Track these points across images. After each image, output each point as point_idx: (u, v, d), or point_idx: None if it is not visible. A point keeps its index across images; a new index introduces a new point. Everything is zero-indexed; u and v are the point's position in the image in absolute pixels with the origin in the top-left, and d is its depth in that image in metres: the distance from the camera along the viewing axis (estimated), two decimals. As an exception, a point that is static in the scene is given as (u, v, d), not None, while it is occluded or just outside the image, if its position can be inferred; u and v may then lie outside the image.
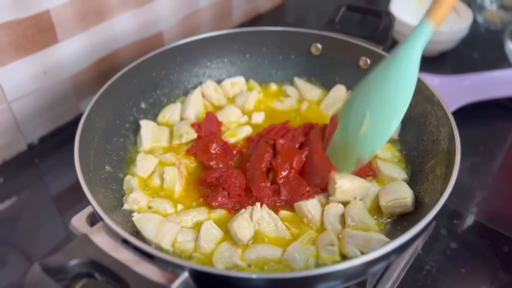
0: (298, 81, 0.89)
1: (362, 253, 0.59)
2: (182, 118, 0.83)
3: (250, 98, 0.85)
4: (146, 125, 0.79)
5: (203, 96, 0.86)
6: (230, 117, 0.82)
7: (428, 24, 0.62)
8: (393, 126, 0.62)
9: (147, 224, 0.62)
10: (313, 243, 0.62)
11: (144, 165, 0.73)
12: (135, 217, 0.63)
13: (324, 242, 0.61)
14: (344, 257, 0.60)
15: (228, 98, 0.88)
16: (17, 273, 0.72)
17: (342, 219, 0.65)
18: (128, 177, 0.72)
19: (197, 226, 0.64)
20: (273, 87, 0.90)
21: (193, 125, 0.79)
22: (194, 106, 0.83)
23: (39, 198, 0.84)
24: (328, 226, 0.64)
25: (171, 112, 0.83)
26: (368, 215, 0.65)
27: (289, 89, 0.88)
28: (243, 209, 0.65)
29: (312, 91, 0.87)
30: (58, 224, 0.80)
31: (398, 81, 0.63)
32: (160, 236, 0.61)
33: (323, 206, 0.67)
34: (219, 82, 0.89)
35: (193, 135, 0.78)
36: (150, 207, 0.68)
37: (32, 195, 0.85)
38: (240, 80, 0.88)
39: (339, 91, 0.85)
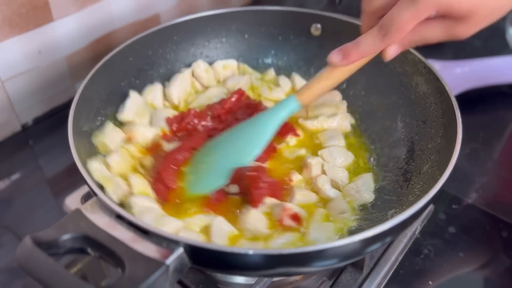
0: (296, 77, 0.86)
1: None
2: (166, 97, 0.80)
3: (242, 82, 0.82)
4: (135, 98, 0.75)
5: (193, 74, 0.84)
6: (213, 98, 0.79)
7: (295, 100, 0.67)
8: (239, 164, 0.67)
9: (146, 215, 0.59)
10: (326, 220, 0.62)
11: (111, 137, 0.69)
12: (136, 209, 0.59)
13: (336, 211, 0.62)
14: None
15: (218, 81, 0.85)
16: (10, 256, 0.71)
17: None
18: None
19: (205, 231, 0.61)
20: (271, 74, 0.88)
21: (168, 121, 0.74)
22: (180, 86, 0.80)
23: (33, 181, 0.83)
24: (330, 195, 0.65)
25: (152, 95, 0.79)
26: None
27: (283, 80, 0.86)
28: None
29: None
30: (52, 207, 0.79)
31: (255, 135, 0.68)
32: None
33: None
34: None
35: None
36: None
37: (26, 177, 0.84)
38: (232, 63, 0.86)
39: (332, 96, 0.82)
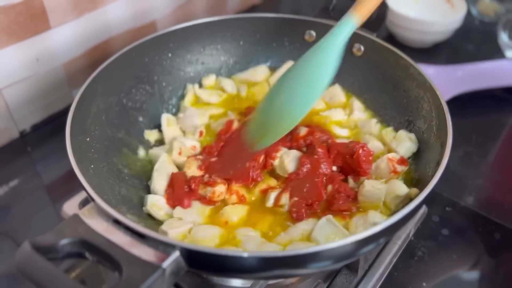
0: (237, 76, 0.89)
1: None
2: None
3: (185, 100, 0.83)
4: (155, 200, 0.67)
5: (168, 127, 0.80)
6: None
7: (353, 17, 0.67)
8: (311, 102, 0.67)
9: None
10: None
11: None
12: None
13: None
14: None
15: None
16: (8, 262, 0.72)
17: None
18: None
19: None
20: (211, 80, 0.87)
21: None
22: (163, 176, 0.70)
23: (31, 187, 0.84)
24: None
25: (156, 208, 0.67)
26: None
27: (224, 81, 0.87)
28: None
29: (258, 70, 0.88)
30: (51, 213, 0.80)
31: (320, 65, 0.67)
32: None
33: None
34: (211, 70, 0.89)
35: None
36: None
37: (24, 184, 0.84)
38: None
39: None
